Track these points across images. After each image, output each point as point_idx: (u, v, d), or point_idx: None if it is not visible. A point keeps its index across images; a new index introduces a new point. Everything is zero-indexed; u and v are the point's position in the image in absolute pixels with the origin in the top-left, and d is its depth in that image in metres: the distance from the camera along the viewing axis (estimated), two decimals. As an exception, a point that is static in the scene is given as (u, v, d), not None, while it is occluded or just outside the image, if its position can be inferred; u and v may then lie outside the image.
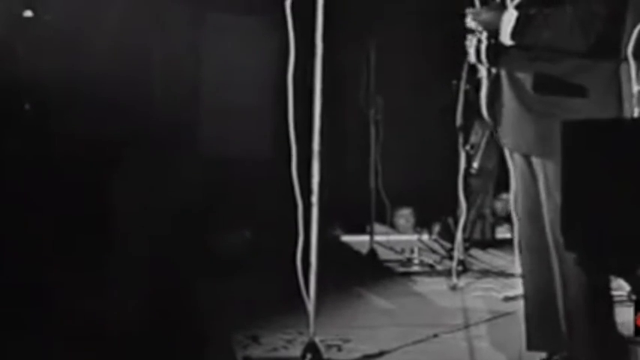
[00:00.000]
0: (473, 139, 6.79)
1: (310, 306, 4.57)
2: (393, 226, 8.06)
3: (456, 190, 6.53)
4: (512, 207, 7.00)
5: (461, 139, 6.71)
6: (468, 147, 6.71)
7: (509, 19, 4.05)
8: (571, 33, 3.93)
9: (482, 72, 4.30)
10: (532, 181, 4.20)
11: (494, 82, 4.23)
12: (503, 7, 4.15)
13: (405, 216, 8.06)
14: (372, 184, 7.37)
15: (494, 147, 7.14)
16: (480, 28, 4.20)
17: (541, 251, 4.21)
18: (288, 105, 4.59)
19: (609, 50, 4.04)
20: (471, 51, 4.26)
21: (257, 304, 5.62)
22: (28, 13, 6.15)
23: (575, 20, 3.91)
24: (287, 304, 5.04)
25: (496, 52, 4.17)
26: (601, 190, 3.48)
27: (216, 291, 5.72)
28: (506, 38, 4.07)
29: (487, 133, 7.02)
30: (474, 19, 4.22)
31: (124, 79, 6.17)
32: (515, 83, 4.14)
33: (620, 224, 3.43)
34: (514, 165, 4.39)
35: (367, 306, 5.92)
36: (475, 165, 6.71)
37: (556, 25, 3.95)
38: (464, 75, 6.43)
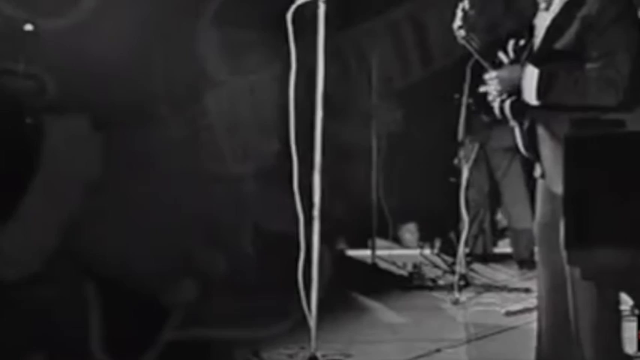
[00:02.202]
0: (463, 152, 6.77)
1: (312, 320, 4.55)
2: (395, 241, 8.03)
3: (457, 205, 6.52)
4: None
5: (462, 154, 6.69)
6: (456, 160, 6.71)
7: (531, 78, 4.00)
8: (600, 93, 3.89)
9: (512, 122, 4.22)
10: (552, 196, 4.14)
11: (530, 130, 4.15)
12: (518, 64, 4.10)
13: (410, 230, 8.04)
14: (374, 199, 7.35)
15: (484, 161, 7.12)
16: (499, 88, 4.14)
17: (556, 265, 4.15)
18: (290, 118, 4.58)
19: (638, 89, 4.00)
20: (495, 105, 4.21)
21: (259, 318, 5.60)
22: (29, 27, 6.15)
23: (602, 81, 3.88)
24: (289, 318, 5.03)
25: (521, 109, 4.11)
26: (603, 204, 3.46)
27: (218, 305, 5.70)
28: (531, 99, 4.02)
29: (477, 146, 6.98)
30: (494, 82, 4.15)
31: (127, 92, 6.18)
32: (549, 128, 4.07)
33: (623, 238, 3.42)
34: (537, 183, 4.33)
35: (369, 320, 5.90)
36: (464, 177, 6.69)
37: (584, 87, 3.91)
38: (466, 89, 6.41)
